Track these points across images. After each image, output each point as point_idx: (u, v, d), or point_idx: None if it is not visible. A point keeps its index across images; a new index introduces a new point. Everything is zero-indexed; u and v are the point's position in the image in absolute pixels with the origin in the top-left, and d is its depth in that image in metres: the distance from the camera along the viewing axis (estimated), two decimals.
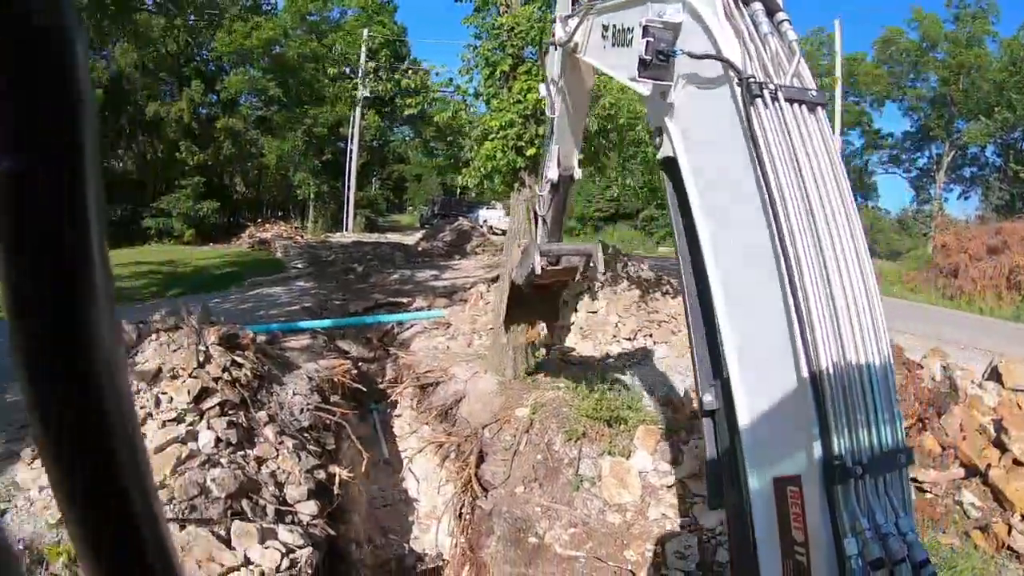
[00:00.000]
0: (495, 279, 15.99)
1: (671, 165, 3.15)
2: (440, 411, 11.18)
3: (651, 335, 13.52)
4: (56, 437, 0.54)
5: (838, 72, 39.84)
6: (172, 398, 7.84)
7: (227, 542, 6.44)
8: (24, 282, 0.51)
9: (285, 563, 6.35)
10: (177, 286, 24.17)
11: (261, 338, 10.30)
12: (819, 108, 2.73)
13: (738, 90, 2.64)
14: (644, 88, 3.26)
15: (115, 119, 45.94)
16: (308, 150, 47.46)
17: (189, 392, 7.86)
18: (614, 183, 14.35)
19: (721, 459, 3.00)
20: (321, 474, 8.05)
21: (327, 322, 14.81)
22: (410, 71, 13.68)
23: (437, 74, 13.54)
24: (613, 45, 3.95)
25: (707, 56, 2.81)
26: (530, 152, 10.97)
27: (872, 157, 59.96)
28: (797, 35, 2.91)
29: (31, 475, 7.23)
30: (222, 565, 6.14)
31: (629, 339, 13.48)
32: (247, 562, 6.30)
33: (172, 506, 6.64)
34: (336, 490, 8.18)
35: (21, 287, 0.50)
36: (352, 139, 43.96)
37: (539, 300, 7.87)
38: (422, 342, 14.17)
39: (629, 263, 16.02)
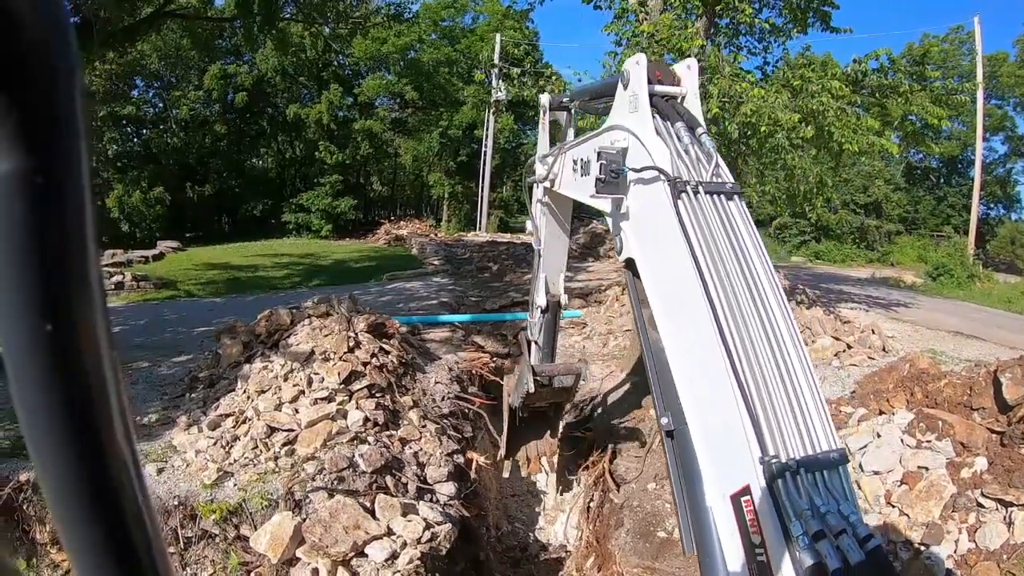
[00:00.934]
0: None
1: (631, 264, 3.82)
2: (574, 408, 11.37)
3: None
4: (41, 436, 0.54)
5: (979, 73, 37.62)
6: (323, 378, 8.36)
7: (371, 512, 6.85)
8: (18, 285, 0.51)
9: (426, 536, 6.72)
10: (317, 277, 25.21)
11: (403, 329, 10.78)
12: (736, 196, 3.45)
13: (666, 189, 3.35)
14: (604, 204, 4.06)
15: (257, 121, 48.33)
16: (443, 151, 48.46)
17: (339, 374, 8.36)
18: (752, 188, 14.22)
19: (682, 475, 3.54)
20: (459, 459, 8.38)
21: (466, 317, 15.17)
22: (553, 77, 13.96)
23: (579, 80, 13.77)
24: (581, 175, 4.63)
25: (644, 168, 3.55)
26: None
27: (1016, 165, 55.91)
28: (714, 143, 3.67)
29: (187, 439, 7.86)
30: (367, 533, 6.55)
31: None
32: (390, 532, 6.70)
33: (322, 476, 7.14)
34: (472, 475, 8.55)
35: (13, 290, 0.51)
36: (486, 141, 44.51)
37: (539, 423, 8.56)
38: (558, 340, 14.33)
39: None
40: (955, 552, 6.48)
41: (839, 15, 12.43)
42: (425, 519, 6.96)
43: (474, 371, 11.21)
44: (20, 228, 0.50)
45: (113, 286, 21.52)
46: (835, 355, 12.86)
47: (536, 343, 7.48)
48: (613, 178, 3.73)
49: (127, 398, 0.59)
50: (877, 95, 12.81)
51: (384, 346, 9.33)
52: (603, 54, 12.86)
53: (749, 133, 11.32)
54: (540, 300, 7.15)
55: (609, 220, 4.13)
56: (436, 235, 40.69)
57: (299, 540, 6.48)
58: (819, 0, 12.27)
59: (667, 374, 3.42)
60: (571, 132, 6.31)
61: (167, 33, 32.75)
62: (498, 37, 42.49)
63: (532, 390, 7.19)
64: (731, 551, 2.84)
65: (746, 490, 2.75)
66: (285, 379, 8.38)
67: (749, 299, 3.07)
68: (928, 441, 7.69)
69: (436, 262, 26.65)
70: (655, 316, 3.51)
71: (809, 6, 12.32)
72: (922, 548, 6.62)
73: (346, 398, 8.25)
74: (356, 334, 9.12)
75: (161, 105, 47.00)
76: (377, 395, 8.45)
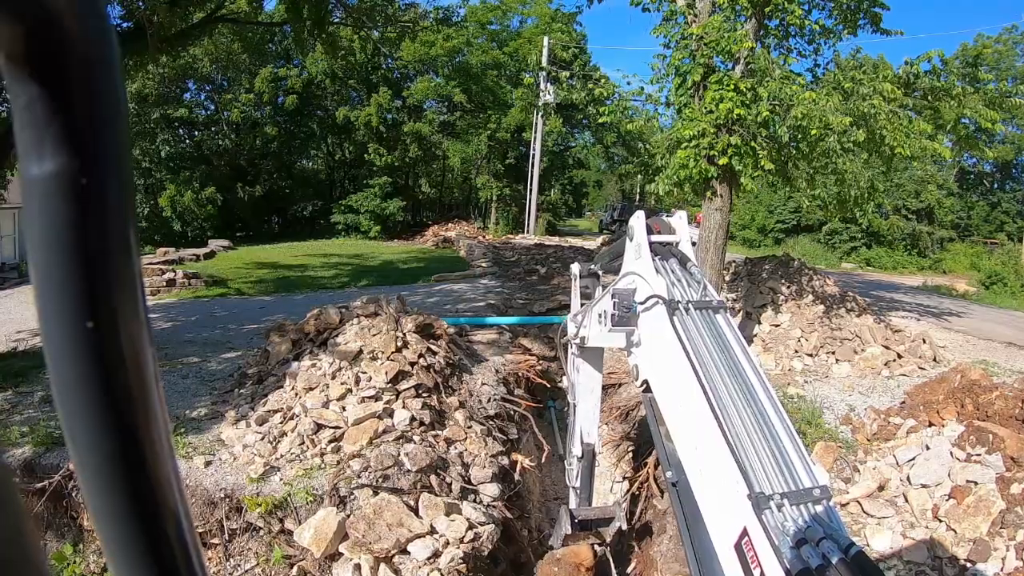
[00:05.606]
0: None
1: (647, 387, 4.41)
2: (621, 412, 11.31)
3: (833, 352, 13.15)
4: (81, 431, 0.54)
5: None
6: (371, 377, 8.45)
7: (415, 511, 6.91)
8: (61, 283, 0.51)
9: (469, 535, 6.75)
10: (365, 278, 25.42)
11: (451, 330, 10.82)
12: (721, 310, 4.19)
13: (664, 309, 4.07)
14: (620, 338, 4.71)
15: (307, 123, 48.95)
16: (491, 154, 48.62)
17: (387, 373, 8.44)
18: (802, 193, 14.05)
19: (687, 523, 4.16)
20: (504, 460, 8.41)
21: (513, 319, 15.18)
22: (602, 80, 13.93)
23: (628, 83, 13.73)
24: (604, 325, 5.04)
25: (648, 298, 4.28)
26: (722, 161, 11.00)
27: None
28: (701, 273, 4.54)
29: (235, 433, 8.02)
30: (410, 531, 6.60)
31: (811, 355, 13.14)
32: (433, 531, 6.74)
33: (368, 474, 7.20)
34: (516, 476, 8.56)
35: (56, 289, 0.51)
36: (534, 144, 44.55)
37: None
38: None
39: (814, 277, 15.62)
40: (1002, 570, 6.34)
41: (890, 17, 12.26)
42: (468, 519, 6.99)
43: (520, 373, 11.21)
44: (64, 228, 0.51)
45: (165, 283, 21.99)
46: (885, 364, 12.65)
47: (574, 488, 7.70)
48: (625, 312, 4.43)
49: (162, 395, 0.59)
50: (929, 98, 12.57)
51: (431, 347, 9.39)
52: (652, 56, 12.78)
53: (800, 137, 11.18)
54: (576, 449, 7.40)
55: (627, 353, 4.78)
56: (484, 237, 40.90)
57: (342, 536, 6.55)
58: (869, 1, 12.08)
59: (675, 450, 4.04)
60: (599, 292, 6.67)
61: (218, 37, 33.20)
62: (546, 40, 42.43)
63: (569, 532, 7.36)
64: None
65: (744, 533, 3.09)
66: (333, 377, 8.47)
67: (738, 389, 3.65)
68: (978, 455, 7.53)
69: (484, 264, 26.71)
70: (665, 416, 4.15)
71: (859, 7, 12.14)
72: (968, 565, 6.48)
73: (393, 397, 8.32)
74: (404, 334, 9.19)
75: (213, 107, 47.86)
76: (424, 395, 8.51)
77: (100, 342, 0.53)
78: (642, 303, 4.37)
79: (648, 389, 4.43)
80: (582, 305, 6.65)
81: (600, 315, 5.33)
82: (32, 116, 0.50)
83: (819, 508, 3.13)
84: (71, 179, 0.50)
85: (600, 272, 6.92)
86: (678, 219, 4.94)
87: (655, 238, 4.80)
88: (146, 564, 0.58)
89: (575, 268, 7.18)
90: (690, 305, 4.14)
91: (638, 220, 4.82)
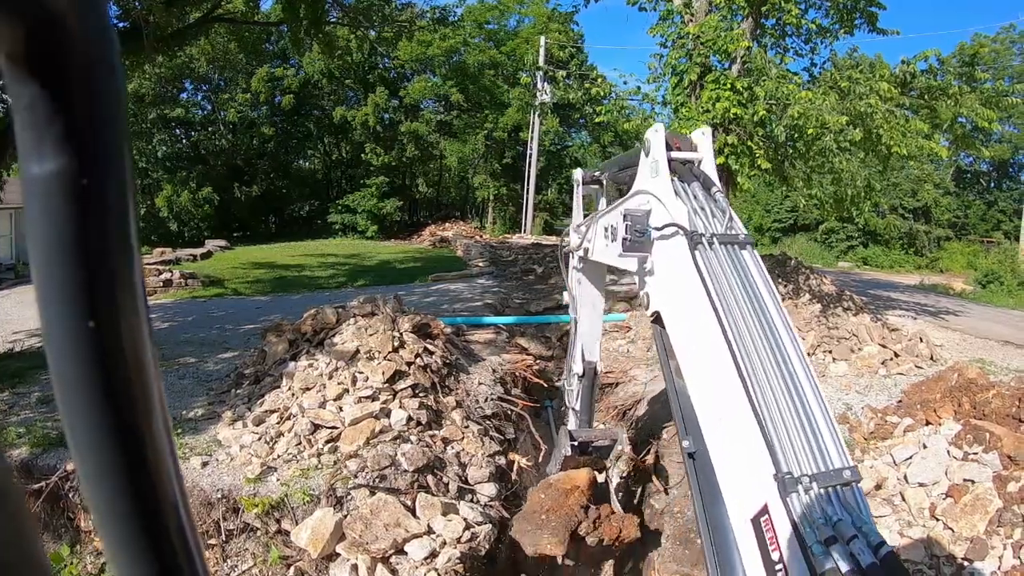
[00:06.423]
0: None
1: (658, 318, 4.11)
2: (618, 411, 11.28)
3: (830, 351, 13.14)
4: (82, 430, 0.54)
5: None
6: (368, 377, 8.45)
7: (412, 511, 6.90)
8: (62, 283, 0.51)
9: (466, 535, 6.74)
10: (362, 278, 25.42)
11: (448, 330, 10.83)
12: (748, 246, 3.79)
13: (685, 242, 3.68)
14: (631, 263, 4.36)
15: (303, 123, 48.98)
16: (488, 153, 48.64)
17: (384, 373, 8.43)
18: (799, 192, 14.06)
19: (703, 497, 3.84)
20: (501, 460, 8.41)
21: (510, 319, 15.23)
22: (599, 79, 13.94)
23: (625, 82, 13.75)
24: (611, 240, 4.83)
25: (666, 225, 3.87)
26: (719, 161, 11.00)
27: None
28: (726, 200, 4.11)
29: (232, 434, 8.00)
30: (407, 531, 6.59)
31: (808, 353, 13.09)
32: (430, 531, 6.73)
33: (364, 474, 7.19)
34: (514, 476, 8.56)
35: (57, 288, 0.51)
36: (532, 143, 44.55)
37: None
38: (602, 344, 14.32)
39: (811, 276, 15.63)
40: (999, 569, 6.32)
41: (886, 17, 12.26)
42: (465, 519, 6.99)
43: (517, 373, 11.22)
44: (65, 227, 0.51)
45: (162, 283, 22.00)
46: (882, 363, 12.64)
47: (574, 409, 7.58)
48: (638, 237, 4.06)
49: (163, 396, 0.59)
50: (926, 97, 12.61)
51: (428, 346, 9.39)
52: (648, 56, 12.78)
53: (796, 136, 11.21)
54: (576, 367, 7.29)
55: (636, 278, 4.45)
56: (481, 237, 40.92)
57: (339, 536, 6.54)
58: (866, 1, 12.11)
59: (689, 404, 3.70)
60: (603, 202, 6.41)
61: (215, 37, 33.20)
62: (543, 39, 42.45)
63: (569, 453, 7.24)
64: (752, 570, 2.97)
65: (764, 510, 2.91)
66: (330, 377, 8.46)
67: (763, 339, 3.33)
68: (975, 453, 7.53)
69: (480, 264, 26.75)
70: (680, 361, 3.80)
71: (856, 7, 12.17)
72: (965, 563, 6.47)
73: (390, 397, 8.31)
74: (401, 334, 9.19)
75: (209, 107, 47.96)
76: (421, 395, 8.51)
77: (101, 341, 0.53)
78: (659, 229, 3.95)
79: (658, 320, 4.09)
80: (585, 215, 6.38)
81: (607, 229, 5.07)
82: (33, 116, 0.50)
83: (848, 493, 2.91)
84: (72, 179, 0.50)
85: (604, 180, 6.59)
86: (701, 135, 4.46)
87: (675, 155, 4.31)
88: (147, 562, 0.58)
89: (577, 174, 6.94)
90: (715, 239, 3.72)
91: (656, 133, 4.30)
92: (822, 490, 2.86)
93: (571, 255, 6.71)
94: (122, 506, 0.57)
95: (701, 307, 3.46)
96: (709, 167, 4.32)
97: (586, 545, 6.99)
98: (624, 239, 4.07)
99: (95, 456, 0.55)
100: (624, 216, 4.11)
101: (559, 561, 7.04)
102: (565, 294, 7.46)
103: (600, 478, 7.54)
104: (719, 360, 3.28)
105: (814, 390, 3.20)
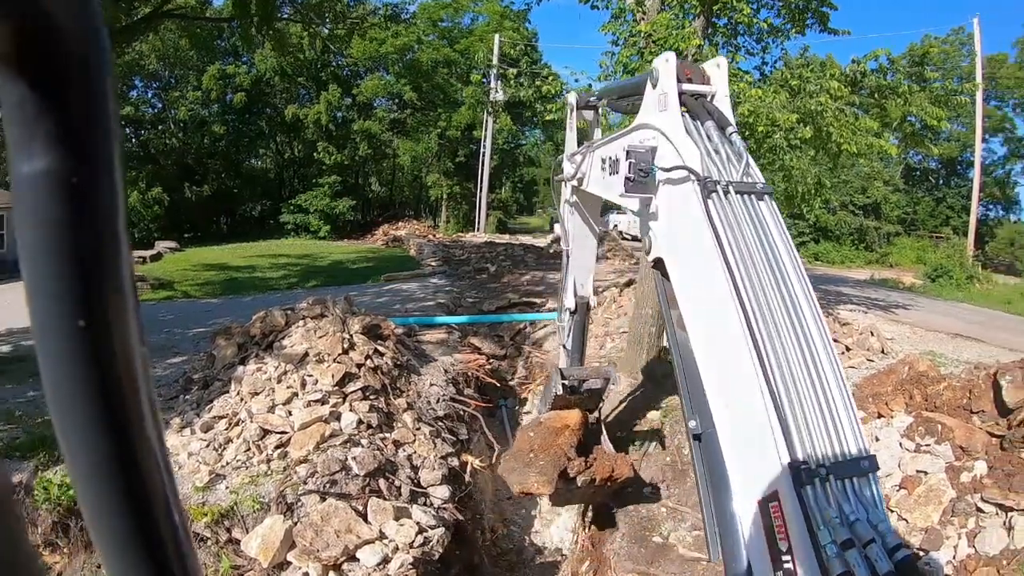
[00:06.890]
0: (628, 283, 16.07)
1: (660, 264, 3.79)
2: None
3: None
4: (73, 430, 0.54)
5: (978, 74, 37.60)
6: (317, 380, 8.33)
7: (364, 516, 6.82)
8: (52, 282, 0.51)
9: (419, 540, 6.67)
10: (315, 278, 25.23)
11: (399, 330, 10.73)
12: (767, 196, 3.45)
13: (697, 188, 3.32)
14: (633, 203, 4.04)
15: (255, 121, 48.45)
16: (441, 152, 48.59)
17: (333, 376, 8.32)
18: None
19: (709, 481, 3.58)
20: (454, 461, 8.36)
21: (463, 318, 15.20)
22: (550, 77, 13.90)
23: (576, 80, 13.73)
24: (609, 174, 4.61)
25: (674, 167, 3.52)
26: None
27: (1015, 167, 55.56)
28: (744, 143, 3.69)
29: (180, 441, 7.83)
30: (359, 537, 6.50)
31: None
32: (382, 536, 6.65)
33: (315, 479, 7.08)
34: (467, 478, 8.50)
35: (48, 287, 0.51)
36: (485, 141, 44.54)
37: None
38: (555, 342, 14.29)
39: None
40: (954, 558, 6.43)
41: (838, 17, 12.40)
42: (418, 523, 6.93)
43: (470, 373, 11.16)
44: (56, 226, 0.51)
45: None
46: None
47: (564, 346, 7.43)
48: (642, 177, 3.73)
49: (155, 397, 0.60)
50: (876, 96, 12.78)
51: (379, 348, 9.30)
52: (600, 54, 12.78)
53: (746, 134, 11.26)
54: (568, 302, 7.12)
55: (637, 219, 4.13)
56: (434, 236, 40.80)
57: (290, 544, 6.44)
58: (818, 1, 12.21)
59: (695, 376, 3.37)
60: (598, 131, 6.26)
61: (165, 33, 32.76)
62: (496, 38, 42.52)
63: (559, 392, 7.11)
64: (757, 557, 2.82)
65: (774, 495, 2.73)
66: (279, 381, 8.33)
67: (779, 301, 3.06)
68: (927, 445, 7.64)
69: (434, 263, 26.70)
70: (684, 317, 3.47)
71: (807, 7, 12.28)
72: (921, 554, 6.55)
73: (340, 400, 8.21)
74: (351, 336, 9.08)
75: (160, 105, 47.15)
76: (371, 397, 8.42)
77: (91, 341, 0.53)
78: (666, 171, 3.59)
79: (662, 271, 3.78)
80: (580, 144, 6.10)
81: (604, 160, 4.83)
82: (22, 114, 0.49)
83: (863, 484, 2.75)
84: (61, 178, 0.50)
85: (599, 106, 6.36)
86: (715, 66, 4.05)
87: (687, 87, 3.89)
88: (139, 561, 0.59)
89: (571, 98, 6.69)
90: (730, 187, 3.34)
91: (666, 63, 3.88)
92: (838, 482, 2.69)
93: (564, 185, 6.46)
94: (114, 505, 0.57)
95: (712, 263, 3.16)
96: (724, 103, 3.93)
97: (577, 485, 6.94)
98: (627, 178, 3.76)
99: (86, 455, 0.55)
100: (627, 153, 3.76)
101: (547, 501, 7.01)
102: (556, 226, 7.39)
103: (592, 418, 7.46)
104: (730, 324, 3.02)
105: (831, 360, 2.98)
